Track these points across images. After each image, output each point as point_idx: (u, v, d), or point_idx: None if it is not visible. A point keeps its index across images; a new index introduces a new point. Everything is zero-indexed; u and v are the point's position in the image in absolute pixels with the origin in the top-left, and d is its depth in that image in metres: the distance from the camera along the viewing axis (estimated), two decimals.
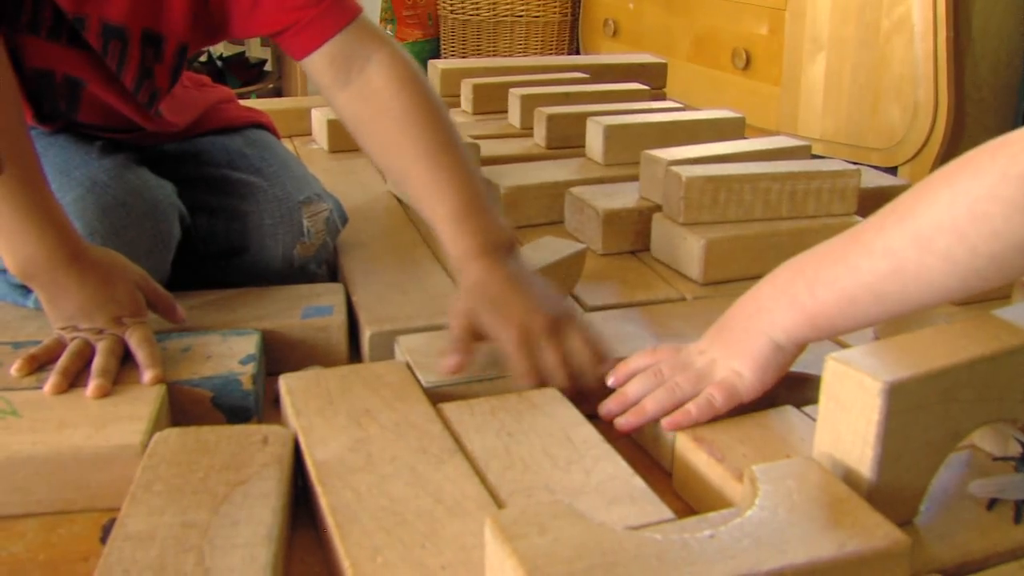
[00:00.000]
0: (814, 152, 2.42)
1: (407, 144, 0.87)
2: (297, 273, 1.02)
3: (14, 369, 0.81)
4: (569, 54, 3.22)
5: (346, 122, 0.93)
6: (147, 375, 0.80)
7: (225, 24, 0.94)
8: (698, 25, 2.78)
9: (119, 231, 0.91)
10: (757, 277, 1.03)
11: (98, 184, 0.92)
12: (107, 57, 0.91)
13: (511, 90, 1.36)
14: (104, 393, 0.78)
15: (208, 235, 1.01)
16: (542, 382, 0.80)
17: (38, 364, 0.82)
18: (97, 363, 0.80)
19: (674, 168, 1.02)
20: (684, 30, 2.84)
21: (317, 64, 0.91)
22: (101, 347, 0.82)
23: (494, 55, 3.11)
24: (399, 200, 1.25)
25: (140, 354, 0.82)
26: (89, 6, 0.88)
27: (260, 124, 1.14)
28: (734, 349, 0.75)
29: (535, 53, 3.12)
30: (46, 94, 0.95)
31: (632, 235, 1.08)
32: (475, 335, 0.82)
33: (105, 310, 0.84)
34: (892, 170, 2.32)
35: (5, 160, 0.78)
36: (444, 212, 0.85)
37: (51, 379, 0.79)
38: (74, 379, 0.80)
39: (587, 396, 0.80)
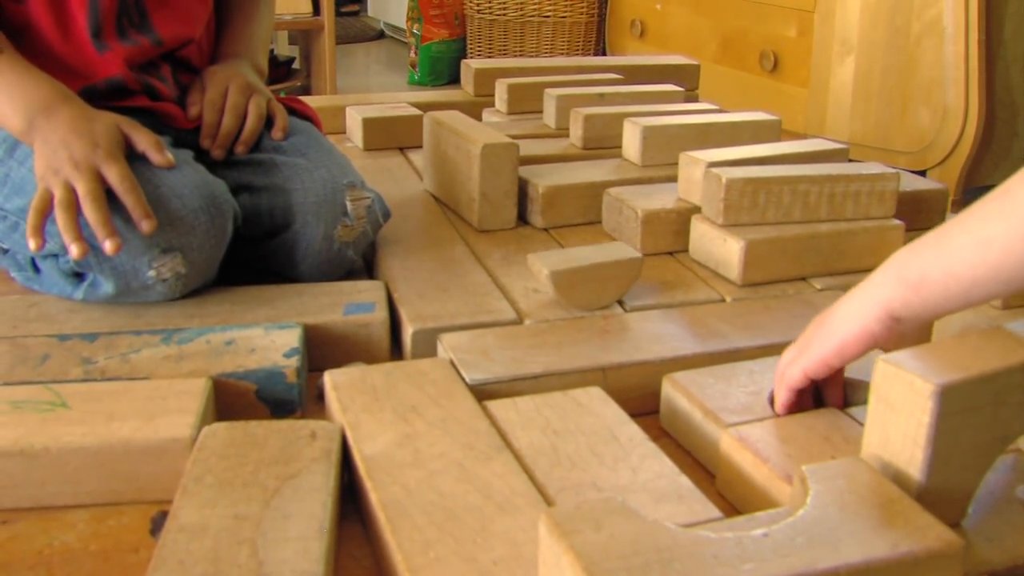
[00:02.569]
0: None
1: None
2: (336, 258, 1.02)
3: (31, 246, 0.86)
4: (596, 55, 3.22)
5: None
6: (144, 225, 0.87)
7: None
8: (725, 26, 2.78)
9: (173, 222, 0.92)
10: (795, 279, 1.04)
11: (156, 174, 0.93)
12: None
13: (547, 90, 1.36)
14: (119, 248, 0.86)
15: (251, 214, 1.02)
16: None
17: (41, 229, 0.87)
18: (93, 218, 0.86)
19: (713, 170, 1.03)
20: (711, 31, 2.83)
21: None
22: (83, 192, 0.86)
23: (521, 55, 3.11)
24: (436, 198, 1.25)
25: (128, 200, 0.88)
26: None
27: (306, 116, 1.16)
28: (830, 326, 0.72)
29: (562, 53, 3.13)
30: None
31: (671, 236, 1.08)
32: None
33: (84, 140, 0.89)
34: (921, 174, 2.31)
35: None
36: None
37: (72, 248, 0.85)
38: (80, 231, 0.86)
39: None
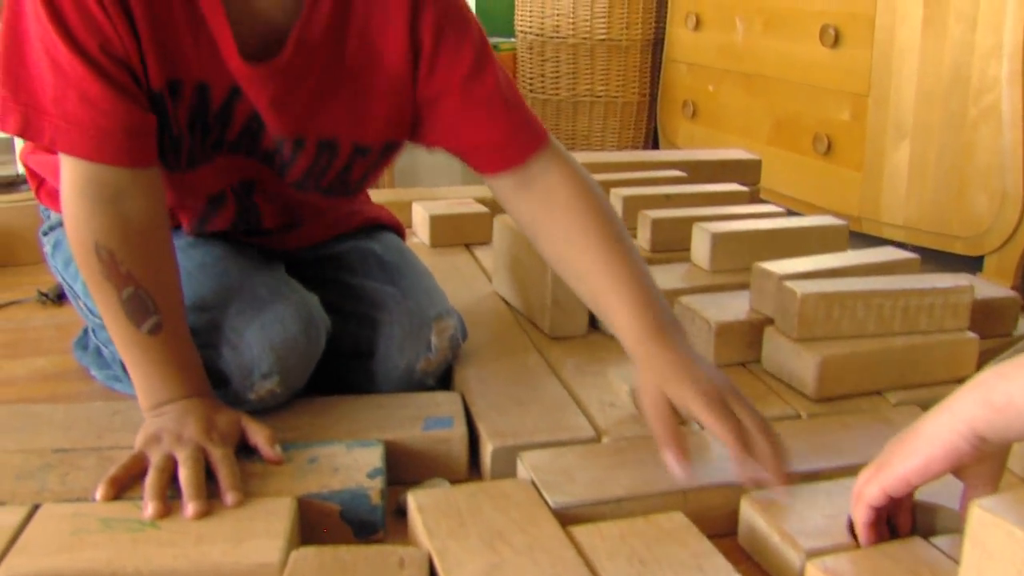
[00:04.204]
0: (896, 239, 2.41)
1: (586, 240, 0.93)
2: (415, 386, 1.04)
3: (99, 495, 0.82)
4: (647, 135, 3.24)
5: (522, 219, 0.99)
6: (228, 497, 0.81)
7: (419, 131, 0.99)
8: (778, 109, 2.80)
9: (275, 347, 0.94)
10: (870, 393, 1.04)
11: (257, 299, 0.95)
12: (315, 165, 0.97)
13: (613, 190, 1.38)
14: (203, 514, 0.80)
15: (336, 336, 1.04)
16: (742, 440, 0.83)
17: (120, 486, 0.82)
18: (186, 477, 0.81)
19: (788, 283, 1.03)
20: (764, 113, 2.85)
21: (501, 178, 0.98)
22: (183, 457, 0.83)
23: (573, 135, 3.15)
24: (506, 302, 1.27)
25: (221, 471, 0.83)
26: (304, 125, 0.93)
27: (392, 227, 1.18)
28: (913, 444, 0.71)
29: (613, 134, 3.16)
30: (216, 202, 1.00)
31: (744, 347, 1.09)
32: (674, 414, 0.86)
33: (200, 424, 0.86)
34: (978, 259, 2.30)
35: (164, 321, 0.84)
36: (619, 305, 0.91)
37: (148, 506, 0.80)
38: (166, 495, 0.81)
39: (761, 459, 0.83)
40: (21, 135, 0.83)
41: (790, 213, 2.71)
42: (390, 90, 0.93)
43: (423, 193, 1.66)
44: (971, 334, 1.07)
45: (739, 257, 1.22)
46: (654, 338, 0.88)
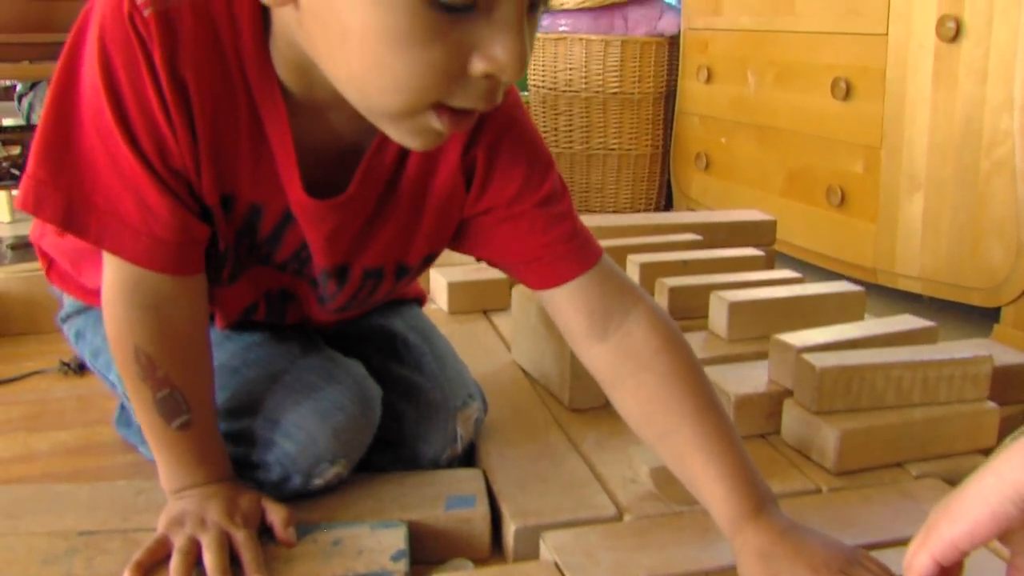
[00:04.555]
0: (912, 290, 2.41)
1: (672, 402, 0.86)
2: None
3: None
4: (661, 187, 3.26)
5: (599, 373, 0.92)
6: None
7: (462, 243, 0.95)
8: (791, 160, 2.81)
9: (338, 434, 0.94)
10: (891, 466, 1.04)
11: (312, 387, 0.95)
12: (359, 292, 0.95)
13: (630, 257, 1.39)
14: None
15: None
16: None
17: (145, 571, 0.82)
18: (211, 562, 0.82)
19: (806, 356, 1.04)
20: (777, 165, 2.87)
21: (565, 307, 0.91)
22: (207, 541, 0.83)
23: (587, 187, 3.17)
24: (524, 371, 1.28)
25: (245, 555, 0.84)
26: (352, 256, 0.91)
27: (416, 298, 1.17)
28: (959, 508, 0.70)
29: (627, 185, 3.18)
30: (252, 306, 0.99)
31: (763, 419, 1.09)
32: None
33: (222, 507, 0.87)
34: (995, 311, 2.30)
35: (195, 418, 0.84)
36: (713, 474, 0.84)
37: None
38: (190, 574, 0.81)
39: None
40: (61, 225, 0.79)
41: (805, 267, 2.72)
42: (438, 211, 0.90)
43: (441, 258, 1.67)
44: (991, 404, 1.07)
45: (757, 325, 1.23)
46: (753, 518, 0.81)
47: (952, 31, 2.24)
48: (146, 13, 0.72)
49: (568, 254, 0.90)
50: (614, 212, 3.21)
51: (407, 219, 0.90)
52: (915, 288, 2.45)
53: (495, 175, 0.89)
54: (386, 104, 0.69)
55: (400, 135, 0.73)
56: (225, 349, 0.98)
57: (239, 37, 0.76)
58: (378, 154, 0.84)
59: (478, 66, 0.66)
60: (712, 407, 0.87)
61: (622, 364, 0.89)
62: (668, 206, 3.33)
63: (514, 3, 0.64)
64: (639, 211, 3.23)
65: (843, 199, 2.62)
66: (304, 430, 0.93)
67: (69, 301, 1.09)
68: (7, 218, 3.56)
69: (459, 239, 0.95)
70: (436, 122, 0.70)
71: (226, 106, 0.78)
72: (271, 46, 0.77)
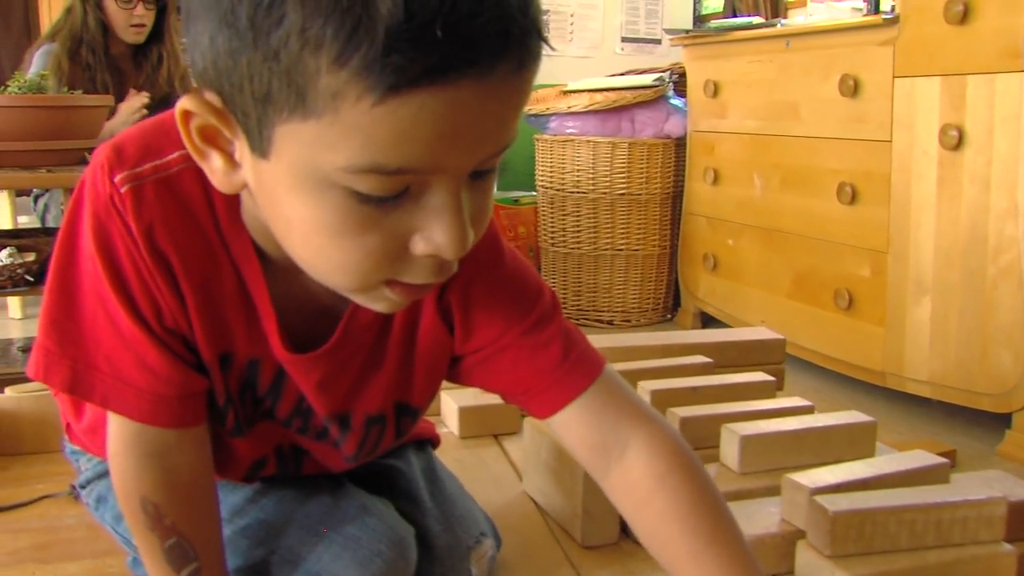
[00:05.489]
0: (921, 394, 2.41)
1: (672, 539, 0.86)
2: None
3: None
4: (668, 287, 3.28)
5: (613, 503, 0.92)
6: None
7: (457, 377, 0.95)
8: (798, 263, 2.83)
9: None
10: None
11: (347, 537, 0.94)
12: (365, 441, 0.94)
13: (640, 383, 1.39)
14: None
15: None
16: None
17: None
18: None
19: (819, 499, 1.03)
20: (784, 267, 2.88)
21: (565, 437, 0.91)
22: None
23: (594, 288, 3.19)
24: (535, 503, 1.27)
25: None
26: (350, 403, 0.90)
27: (429, 439, 1.16)
28: None
29: (635, 286, 3.20)
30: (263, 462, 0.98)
31: (776, 559, 1.08)
32: None
33: None
34: (1006, 417, 2.29)
35: (203, 566, 0.85)
36: None
37: None
38: None
39: None
40: (68, 391, 0.82)
41: (813, 369, 2.71)
42: (428, 356, 0.91)
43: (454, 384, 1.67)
44: (1007, 546, 1.06)
45: (768, 458, 1.23)
46: None
47: (955, 139, 2.28)
48: (123, 190, 0.76)
49: (556, 382, 0.89)
50: (622, 312, 3.23)
51: (400, 366, 0.90)
52: (924, 392, 2.45)
53: (475, 317, 0.89)
54: (337, 283, 0.71)
55: (362, 302, 0.74)
56: (254, 504, 0.98)
57: (212, 204, 0.78)
58: (358, 308, 0.85)
59: (418, 247, 0.67)
60: (713, 543, 0.85)
61: (625, 500, 0.89)
62: (676, 306, 3.34)
63: (446, 186, 0.64)
64: (646, 311, 3.25)
65: (851, 302, 2.64)
66: None
67: (89, 465, 1.08)
68: (19, 315, 3.59)
69: (454, 374, 0.95)
70: (391, 294, 0.71)
71: (212, 271, 0.80)
72: (242, 210, 0.79)
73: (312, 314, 0.85)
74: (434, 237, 0.66)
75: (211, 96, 0.66)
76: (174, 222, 0.78)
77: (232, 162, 0.69)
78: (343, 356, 0.87)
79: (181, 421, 0.84)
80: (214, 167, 0.70)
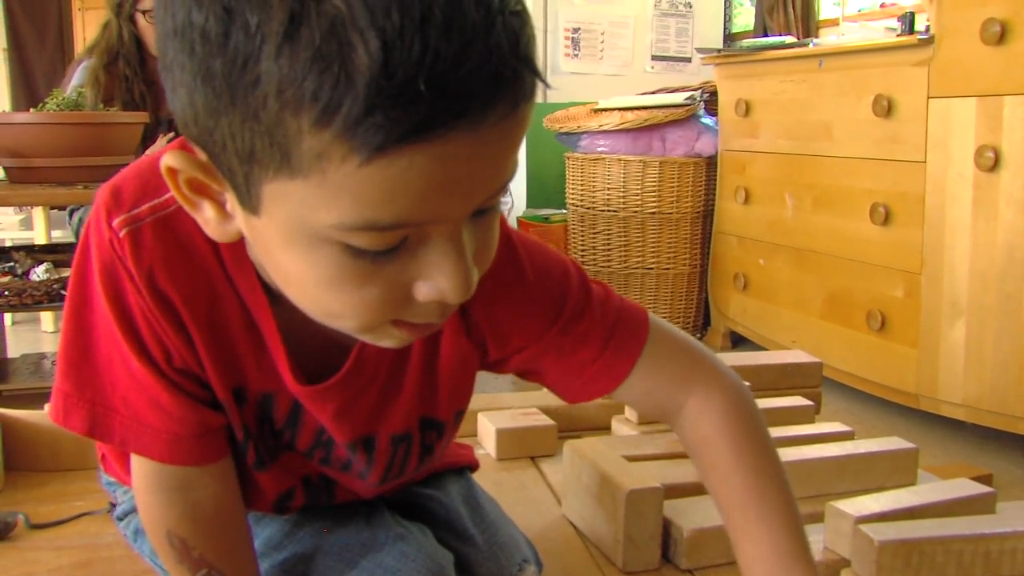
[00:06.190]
0: (955, 417, 2.39)
1: (726, 493, 0.90)
2: None
3: None
4: (699, 306, 3.27)
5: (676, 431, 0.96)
6: None
7: (501, 371, 0.95)
8: (831, 284, 2.82)
9: None
10: None
11: (387, 569, 0.93)
12: (392, 461, 0.93)
13: None
14: None
15: None
16: None
17: None
18: None
19: (864, 528, 1.03)
20: (816, 288, 2.87)
21: (629, 403, 0.94)
22: None
23: None
24: (574, 527, 1.27)
25: None
26: (373, 426, 0.89)
27: (467, 465, 1.16)
28: None
29: (665, 304, 3.19)
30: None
31: None
32: None
33: None
34: None
35: None
36: (755, 564, 0.88)
37: None
38: None
39: None
40: (87, 434, 0.80)
41: (846, 390, 2.69)
42: (452, 373, 0.89)
43: (488, 401, 1.67)
44: None
45: (809, 485, 1.22)
46: None
47: (991, 161, 2.26)
48: (121, 235, 0.76)
49: (601, 371, 0.89)
50: None
51: (422, 385, 0.89)
52: (958, 415, 2.43)
53: (507, 331, 0.88)
54: (340, 327, 0.70)
55: (370, 341, 0.73)
56: (274, 524, 0.98)
57: (215, 240, 0.75)
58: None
59: (421, 293, 0.65)
60: (763, 497, 0.88)
61: (691, 452, 0.93)
62: (706, 325, 3.33)
63: (445, 233, 0.63)
64: None
65: (883, 324, 2.62)
66: None
67: (125, 498, 1.08)
68: (51, 327, 3.63)
69: (495, 369, 0.94)
70: (398, 332, 0.70)
71: (217, 307, 0.80)
72: (247, 245, 0.77)
73: (323, 345, 0.83)
74: (437, 284, 0.64)
75: (197, 150, 0.64)
76: (175, 262, 0.77)
77: (224, 213, 0.68)
78: (359, 384, 0.86)
79: (200, 458, 0.83)
80: (207, 217, 0.68)
